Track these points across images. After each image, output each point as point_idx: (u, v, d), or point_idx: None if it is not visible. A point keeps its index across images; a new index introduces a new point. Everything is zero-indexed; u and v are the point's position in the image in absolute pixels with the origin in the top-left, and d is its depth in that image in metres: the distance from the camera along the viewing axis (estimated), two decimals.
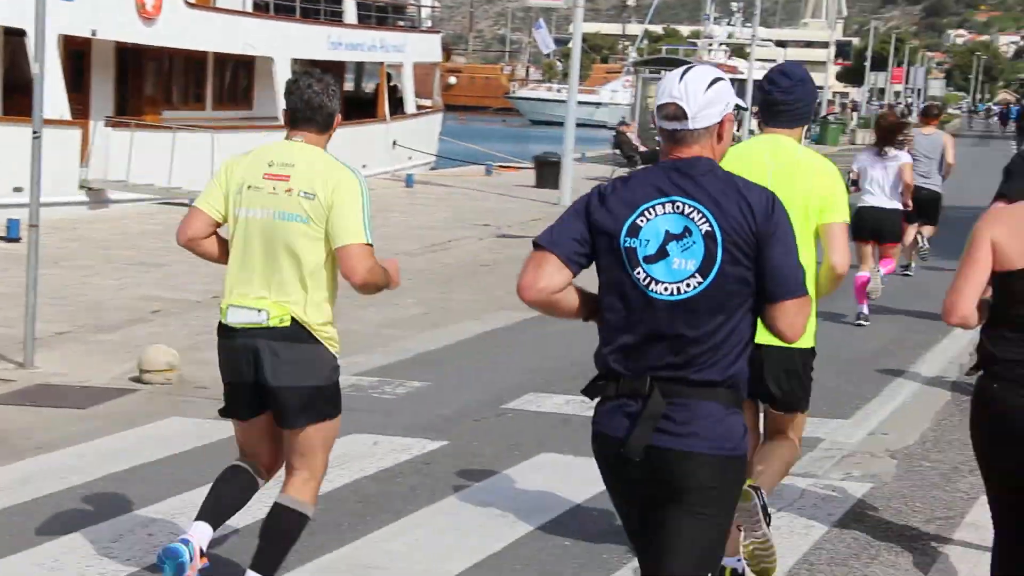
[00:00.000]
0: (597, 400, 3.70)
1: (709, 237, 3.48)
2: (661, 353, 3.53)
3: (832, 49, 73.09)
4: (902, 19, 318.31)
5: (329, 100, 4.94)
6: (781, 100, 5.26)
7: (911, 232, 14.50)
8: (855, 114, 67.37)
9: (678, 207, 3.52)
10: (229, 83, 27.08)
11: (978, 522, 6.53)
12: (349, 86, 33.42)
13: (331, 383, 4.95)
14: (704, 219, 3.49)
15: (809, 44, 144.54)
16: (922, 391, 9.54)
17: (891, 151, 12.24)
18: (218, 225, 5.04)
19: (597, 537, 6.17)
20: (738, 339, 3.54)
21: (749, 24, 77.64)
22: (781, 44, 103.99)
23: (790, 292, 3.49)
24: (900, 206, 12.20)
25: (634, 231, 3.54)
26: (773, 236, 3.48)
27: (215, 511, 5.05)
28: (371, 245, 4.80)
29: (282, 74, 25.48)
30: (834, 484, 7.12)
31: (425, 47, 33.89)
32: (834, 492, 6.96)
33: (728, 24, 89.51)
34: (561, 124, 25.94)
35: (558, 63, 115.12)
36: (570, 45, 26.74)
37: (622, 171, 29.42)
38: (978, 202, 25.54)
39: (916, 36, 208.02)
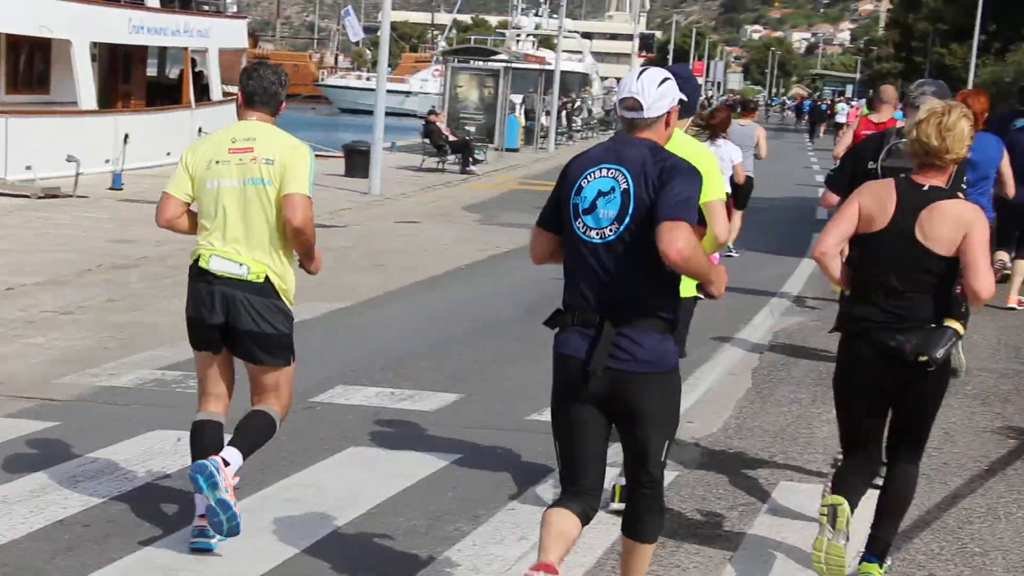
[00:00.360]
0: (556, 329, 4.70)
1: (625, 194, 4.47)
2: (606, 291, 4.51)
3: (636, 42, 74.33)
4: (701, 14, 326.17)
5: (281, 88, 5.89)
6: None
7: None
8: None
9: (609, 172, 4.53)
10: (24, 66, 25.97)
11: (778, 508, 6.68)
12: (152, 71, 32.50)
13: (289, 330, 5.94)
14: (624, 180, 4.48)
15: (614, 36, 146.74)
16: (725, 379, 9.70)
17: (720, 141, 13.58)
18: (188, 205, 5.88)
19: (407, 532, 6.10)
20: (662, 278, 4.50)
21: (556, 16, 78.42)
22: (587, 36, 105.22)
23: (664, 217, 4.33)
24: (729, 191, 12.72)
25: (578, 191, 4.58)
26: (663, 186, 4.40)
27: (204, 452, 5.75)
28: (311, 199, 5.73)
29: (81, 58, 24.58)
30: None
31: (231, 33, 33.19)
32: None
33: (536, 15, 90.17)
34: (371, 113, 25.69)
35: (367, 51, 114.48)
36: (379, 33, 26.49)
37: (432, 161, 29.43)
38: (775, 193, 26.30)
39: (715, 31, 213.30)
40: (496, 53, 41.44)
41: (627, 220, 4.47)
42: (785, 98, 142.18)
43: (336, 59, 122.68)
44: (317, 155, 25.10)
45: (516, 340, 10.95)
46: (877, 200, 5.30)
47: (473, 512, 6.42)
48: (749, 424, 8.34)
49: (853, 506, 5.39)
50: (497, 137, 35.44)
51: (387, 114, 25.87)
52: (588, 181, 4.58)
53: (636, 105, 4.59)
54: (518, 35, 68.62)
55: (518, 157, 35.94)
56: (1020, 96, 14.28)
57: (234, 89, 33.89)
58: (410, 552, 5.86)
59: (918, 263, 5.18)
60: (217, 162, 5.71)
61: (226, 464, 5.59)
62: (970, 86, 56.75)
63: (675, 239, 4.30)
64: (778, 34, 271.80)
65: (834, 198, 6.89)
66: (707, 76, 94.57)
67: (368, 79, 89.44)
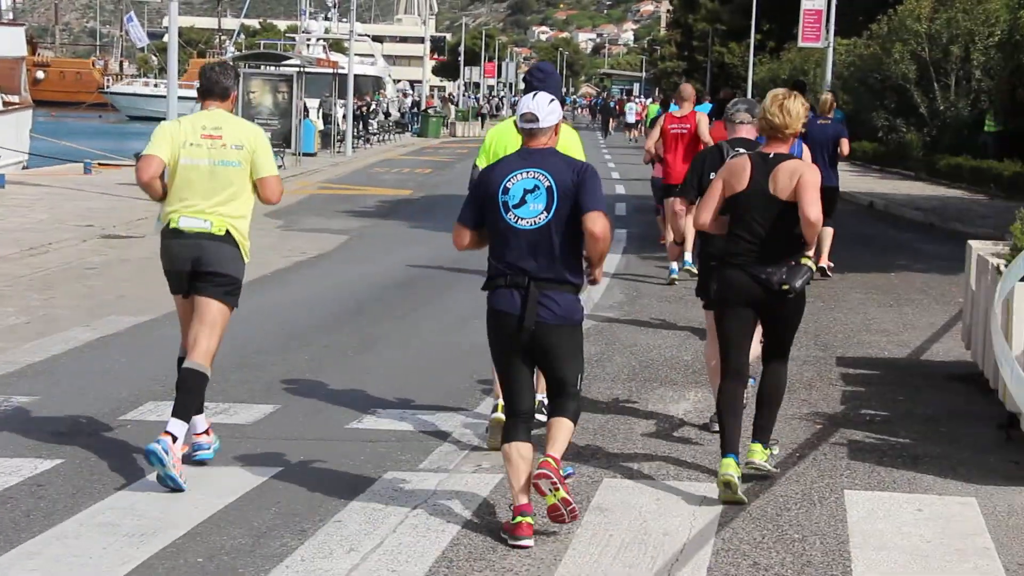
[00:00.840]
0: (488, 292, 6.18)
1: (549, 191, 6.06)
2: (532, 263, 6.07)
3: (427, 45, 74.40)
4: (490, 16, 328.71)
5: (227, 79, 7.22)
6: (541, 88, 6.72)
7: None
8: (453, 107, 68.80)
9: (531, 174, 6.10)
10: None
11: (603, 505, 6.71)
12: None
13: (241, 277, 7.25)
14: (547, 180, 6.07)
15: (404, 39, 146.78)
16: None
17: None
18: (163, 168, 7.05)
19: (231, 551, 5.93)
20: (576, 252, 6.13)
21: (345, 19, 77.91)
22: (378, 39, 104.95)
23: (590, 208, 6.00)
24: None
25: (505, 191, 6.11)
26: (583, 185, 6.04)
27: (184, 410, 6.89)
28: (279, 176, 7.37)
29: None
30: (466, 478, 7.12)
31: (7, 41, 32.00)
32: (466, 486, 6.97)
33: (325, 19, 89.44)
34: (160, 119, 24.96)
35: (153, 57, 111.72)
36: (165, 39, 25.84)
37: None
38: None
39: (503, 32, 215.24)
40: (287, 58, 40.91)
41: (553, 210, 6.05)
42: (575, 97, 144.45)
43: (121, 66, 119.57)
44: (106, 164, 24.43)
45: (327, 348, 10.79)
46: (735, 172, 6.93)
47: (299, 527, 6.28)
48: None
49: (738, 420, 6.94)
50: (294, 142, 35.01)
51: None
52: (513, 183, 6.12)
53: (534, 118, 6.18)
54: (308, 39, 67.73)
55: (316, 162, 35.58)
56: (798, 88, 14.78)
57: (14, 99, 33.00)
58: (236, 571, 5.68)
59: (773, 211, 6.79)
60: (191, 144, 7.01)
61: (174, 440, 6.69)
62: (750, 83, 58.65)
63: (598, 222, 5.97)
64: (564, 35, 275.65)
65: (681, 206, 8.24)
66: (499, 77, 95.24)
67: (156, 85, 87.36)
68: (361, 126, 47.03)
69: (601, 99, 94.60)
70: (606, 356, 10.52)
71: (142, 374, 9.58)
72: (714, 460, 7.49)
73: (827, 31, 43.79)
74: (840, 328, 12.02)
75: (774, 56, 60.73)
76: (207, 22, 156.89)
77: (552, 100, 6.23)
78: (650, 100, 63.47)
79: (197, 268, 7.07)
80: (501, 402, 7.07)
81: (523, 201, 6.09)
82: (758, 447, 7.07)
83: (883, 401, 9.13)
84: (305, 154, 35.77)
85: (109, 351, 10.55)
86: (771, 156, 6.90)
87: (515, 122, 6.44)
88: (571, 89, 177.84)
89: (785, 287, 6.73)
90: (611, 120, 72.46)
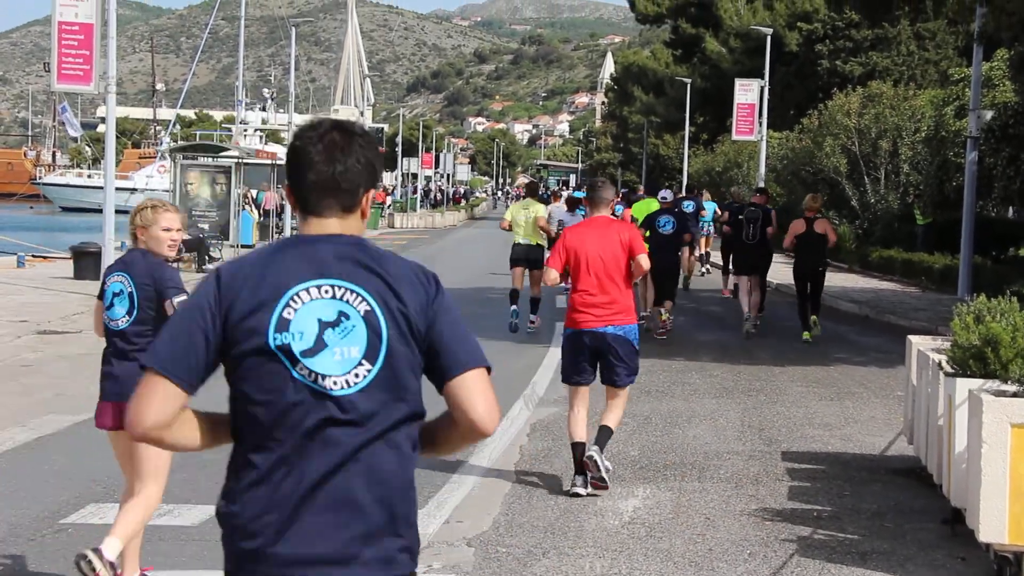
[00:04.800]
0: None
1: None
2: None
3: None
4: (426, 107, 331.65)
5: None
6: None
7: None
8: (390, 198, 69.05)
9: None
10: None
11: None
12: None
13: None
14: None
15: None
16: (489, 475, 9.69)
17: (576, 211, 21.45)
18: None
19: None
20: None
21: (282, 110, 78.29)
22: None
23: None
24: None
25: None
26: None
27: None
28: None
29: None
30: None
31: None
32: None
33: (261, 110, 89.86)
34: (95, 211, 24.94)
35: (87, 147, 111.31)
36: (99, 129, 25.77)
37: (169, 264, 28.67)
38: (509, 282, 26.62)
39: (440, 123, 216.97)
40: (225, 149, 40.97)
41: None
42: (510, 188, 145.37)
43: (54, 156, 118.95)
44: (40, 257, 24.31)
45: None
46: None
47: None
48: (519, 520, 8.33)
49: None
50: (232, 233, 34.91)
51: (116, 212, 25.10)
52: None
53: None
54: (245, 130, 68.04)
55: None
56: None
57: None
58: None
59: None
60: None
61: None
62: (684, 174, 59.46)
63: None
64: (501, 126, 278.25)
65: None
66: (437, 167, 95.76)
67: (90, 176, 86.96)
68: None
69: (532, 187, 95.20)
70: (553, 452, 10.51)
71: (82, 475, 9.44)
72: (666, 557, 7.51)
73: (760, 124, 44.65)
74: (783, 422, 12.12)
75: (708, 148, 61.68)
76: (142, 112, 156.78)
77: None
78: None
79: None
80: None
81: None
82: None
83: (829, 496, 9.19)
84: (243, 246, 35.66)
85: (47, 452, 10.39)
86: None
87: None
88: (507, 179, 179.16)
89: None
90: None
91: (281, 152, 47.66)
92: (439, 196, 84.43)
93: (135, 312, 6.35)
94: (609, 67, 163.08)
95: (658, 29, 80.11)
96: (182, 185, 35.11)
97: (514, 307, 18.48)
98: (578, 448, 8.95)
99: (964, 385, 8.08)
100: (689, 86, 59.92)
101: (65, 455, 10.22)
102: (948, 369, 8.55)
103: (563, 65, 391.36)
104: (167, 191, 40.40)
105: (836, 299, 25.31)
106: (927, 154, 35.40)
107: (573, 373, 9.18)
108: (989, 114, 26.13)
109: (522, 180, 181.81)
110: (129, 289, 6.47)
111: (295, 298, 3.12)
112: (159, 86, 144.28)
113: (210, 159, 37.55)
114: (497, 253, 41.02)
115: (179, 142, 60.18)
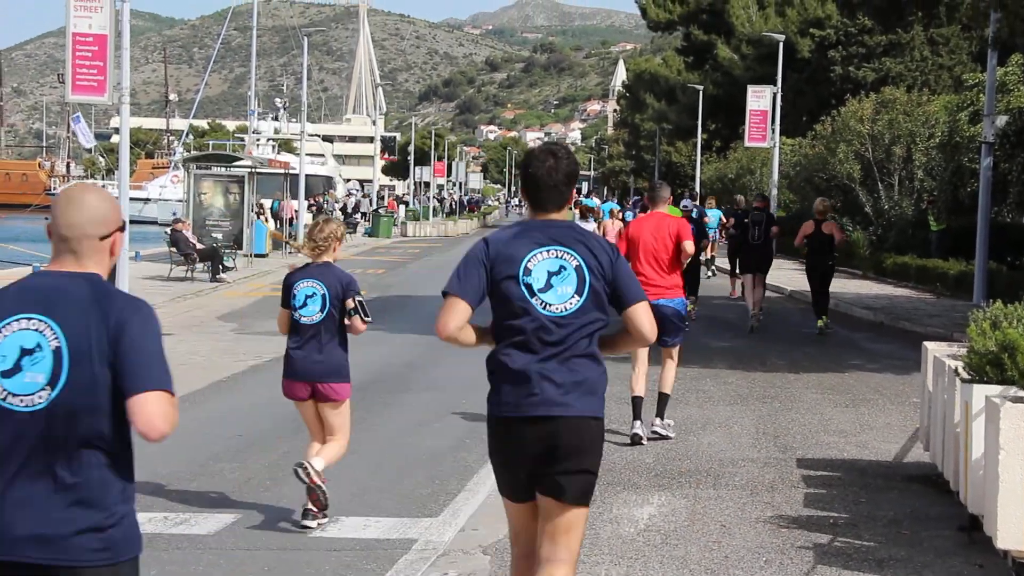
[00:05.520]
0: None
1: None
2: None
3: (377, 144, 74.89)
4: (438, 115, 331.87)
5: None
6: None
7: None
8: (403, 207, 69.15)
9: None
10: None
11: None
12: None
13: None
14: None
15: (353, 139, 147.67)
16: None
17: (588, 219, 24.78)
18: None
19: None
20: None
21: (295, 120, 78.40)
22: (328, 139, 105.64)
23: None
24: None
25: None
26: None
27: None
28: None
29: None
30: None
31: None
32: None
33: (274, 120, 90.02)
34: None
35: (100, 158, 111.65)
36: (112, 139, 25.84)
37: (180, 270, 28.80)
38: None
39: (452, 132, 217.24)
40: (238, 158, 41.03)
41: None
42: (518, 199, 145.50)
43: (68, 167, 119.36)
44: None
45: (286, 455, 10.68)
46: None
47: None
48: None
49: None
50: (246, 243, 34.99)
51: (130, 222, 25.19)
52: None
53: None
54: (258, 139, 68.18)
55: (268, 263, 35.55)
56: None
57: None
58: None
59: None
60: None
61: None
62: (697, 181, 59.44)
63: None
64: (512, 134, 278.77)
65: None
66: (449, 176, 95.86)
67: (104, 186, 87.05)
68: None
69: None
70: None
71: None
72: (682, 564, 7.50)
73: (772, 131, 44.61)
74: (798, 429, 12.09)
75: (721, 155, 61.68)
76: (155, 122, 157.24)
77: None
78: (630, 205, 63.81)
79: None
80: None
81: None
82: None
83: (845, 503, 9.17)
84: (257, 255, 35.75)
85: None
86: None
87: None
88: (518, 188, 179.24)
89: None
90: None
91: (294, 161, 47.77)
92: (452, 205, 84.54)
93: (326, 309, 8.30)
94: (621, 74, 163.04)
95: (670, 36, 79.99)
96: (195, 195, 35.18)
97: None
98: (637, 400, 11.18)
99: (981, 391, 8.05)
100: (701, 93, 59.95)
101: None
102: (965, 375, 8.52)
103: (575, 73, 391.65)
104: (180, 201, 40.58)
105: (851, 305, 25.26)
106: (941, 160, 35.33)
107: None
108: (1004, 119, 26.05)
109: None
110: (322, 292, 8.36)
111: (534, 256, 5.11)
112: (172, 96, 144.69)
113: (223, 169, 37.60)
114: None
115: (192, 152, 60.38)
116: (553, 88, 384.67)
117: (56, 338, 3.71)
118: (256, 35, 56.84)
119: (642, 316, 5.10)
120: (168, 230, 30.43)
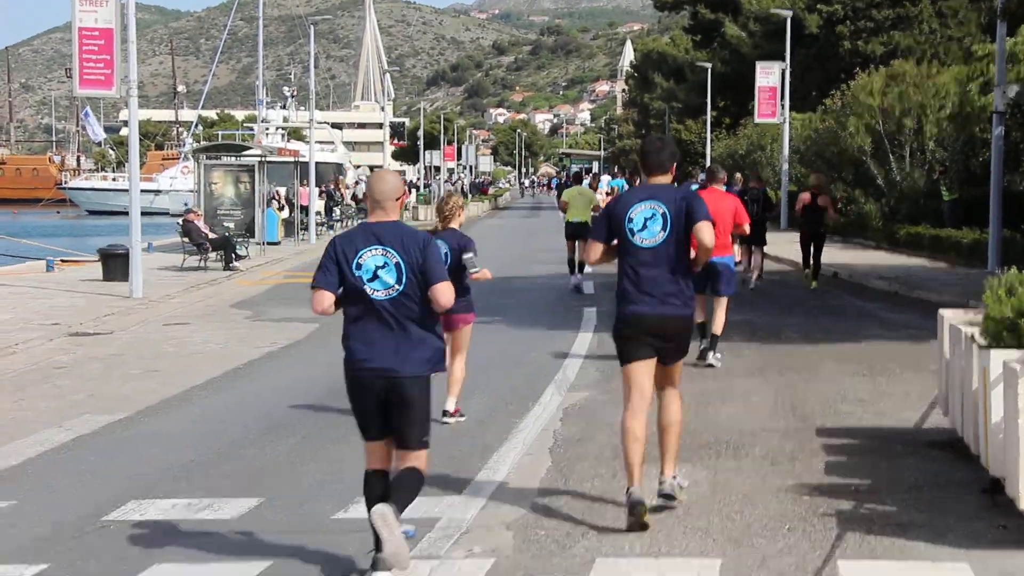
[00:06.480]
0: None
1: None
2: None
3: (387, 129, 74.86)
4: (446, 99, 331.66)
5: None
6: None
7: None
8: (414, 191, 69.09)
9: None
10: None
11: None
12: None
13: None
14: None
15: (362, 125, 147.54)
16: (524, 460, 9.69)
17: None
18: None
19: None
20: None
21: (303, 108, 78.35)
22: (337, 126, 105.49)
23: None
24: None
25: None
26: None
27: None
28: None
29: None
30: (457, 564, 7.09)
31: None
32: (458, 572, 6.95)
33: (282, 108, 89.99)
34: (120, 213, 25.06)
35: (110, 151, 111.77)
36: (122, 132, 25.87)
37: (193, 259, 28.84)
38: (539, 271, 26.74)
39: (461, 115, 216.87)
40: (247, 148, 41.00)
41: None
42: (533, 177, 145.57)
43: (78, 160, 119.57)
44: (69, 261, 24.41)
45: (306, 438, 10.72)
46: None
47: None
48: (555, 504, 8.34)
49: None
50: (258, 231, 35.03)
51: (141, 213, 25.17)
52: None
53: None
54: (267, 128, 68.11)
55: (280, 250, 35.60)
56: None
57: None
58: None
59: None
60: None
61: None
62: (708, 158, 59.28)
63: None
64: (522, 116, 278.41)
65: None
66: (459, 159, 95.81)
67: (115, 179, 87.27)
68: (324, 213, 47.17)
69: (560, 177, 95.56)
70: (587, 435, 10.52)
71: (120, 473, 9.51)
72: (705, 534, 7.51)
73: (782, 107, 44.54)
74: (817, 399, 12.09)
75: (731, 132, 61.46)
76: (164, 114, 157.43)
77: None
78: (609, 176, 63.81)
79: None
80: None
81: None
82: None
83: (866, 470, 9.17)
84: (269, 243, 35.79)
85: (84, 451, 10.45)
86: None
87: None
88: (530, 169, 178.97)
89: None
90: None
91: (303, 149, 47.74)
92: (463, 188, 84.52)
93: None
94: (629, 55, 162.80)
95: (677, 16, 79.93)
96: (206, 185, 35.19)
97: (574, 275, 24.08)
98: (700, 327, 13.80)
99: (999, 356, 8.05)
100: (709, 71, 59.83)
101: (102, 454, 10.28)
102: (982, 341, 8.52)
103: (582, 54, 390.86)
104: (191, 191, 40.59)
105: (866, 276, 25.24)
106: (952, 131, 35.22)
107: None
108: (1015, 88, 25.95)
109: (545, 169, 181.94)
110: (445, 249, 9.98)
111: (638, 207, 7.85)
112: (180, 88, 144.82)
113: (233, 158, 37.59)
114: (520, 246, 41.23)
115: (202, 143, 60.37)
116: (561, 70, 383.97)
117: (396, 258, 6.67)
118: (263, 25, 56.75)
119: (704, 232, 7.71)
120: (180, 221, 30.47)
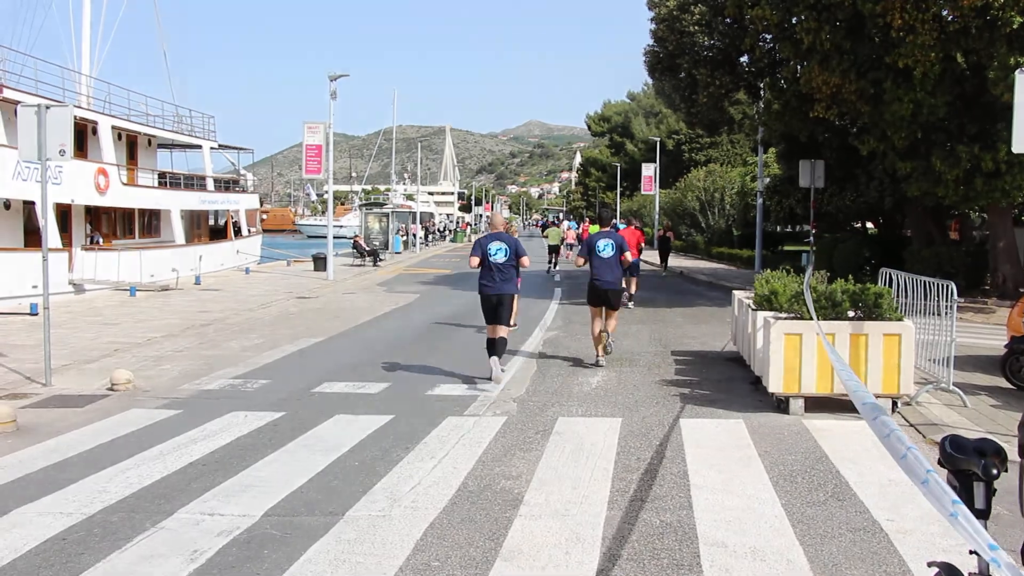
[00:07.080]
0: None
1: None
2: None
3: (456, 195, 74.49)
4: (485, 180, 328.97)
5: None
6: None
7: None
8: (469, 227, 68.41)
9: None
10: (147, 223, 24.21)
11: (559, 431, 6.53)
12: (212, 222, 30.85)
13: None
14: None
15: (444, 193, 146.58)
16: (523, 365, 9.52)
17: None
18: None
19: (372, 458, 5.82)
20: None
21: (414, 184, 77.85)
22: (430, 193, 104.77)
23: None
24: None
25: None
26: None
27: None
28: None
29: (176, 218, 23.42)
30: (487, 419, 6.99)
31: (250, 200, 31.70)
32: (488, 424, 6.87)
33: (403, 183, 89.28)
34: (322, 237, 24.84)
35: (319, 205, 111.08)
36: (324, 195, 25.68)
37: (358, 261, 28.63)
38: (531, 268, 26.06)
39: (492, 189, 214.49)
40: (385, 203, 40.73)
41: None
42: (530, 221, 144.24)
43: (303, 210, 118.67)
44: (297, 260, 23.60)
45: (415, 353, 10.55)
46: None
47: (404, 447, 6.10)
48: (539, 388, 8.24)
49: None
50: (390, 247, 34.83)
51: (333, 237, 25.10)
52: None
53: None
54: (395, 194, 67.73)
55: (401, 257, 35.25)
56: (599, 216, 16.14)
57: (254, 229, 32.71)
58: (374, 468, 5.53)
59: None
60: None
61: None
62: (618, 210, 58.46)
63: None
64: (524, 189, 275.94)
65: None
66: (491, 210, 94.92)
67: (320, 219, 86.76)
68: (424, 237, 46.93)
69: (544, 220, 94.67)
70: (556, 353, 10.36)
71: (321, 368, 9.40)
72: (615, 404, 7.42)
73: (655, 186, 44.06)
74: (672, 336, 11.94)
75: (630, 198, 60.88)
76: (344, 187, 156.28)
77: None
78: (580, 223, 62.76)
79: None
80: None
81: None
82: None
83: (695, 373, 9.06)
84: (395, 253, 35.60)
85: (305, 357, 10.38)
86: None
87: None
88: (529, 216, 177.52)
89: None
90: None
91: (414, 205, 47.34)
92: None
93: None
94: (579, 158, 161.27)
95: (603, 139, 79.04)
96: (365, 222, 35.00)
97: (549, 271, 24.58)
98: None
99: (762, 315, 7.96)
100: (619, 168, 59.16)
101: (311, 358, 10.18)
102: (753, 306, 8.43)
103: (555, 158, 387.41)
104: (359, 227, 40.32)
105: (696, 273, 25.01)
106: (738, 200, 34.91)
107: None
108: (767, 180, 25.74)
109: (536, 216, 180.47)
110: (505, 246, 8.60)
111: (600, 240, 8.76)
112: (353, 174, 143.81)
113: (378, 209, 37.39)
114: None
115: (363, 201, 59.98)
116: (544, 166, 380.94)
117: (505, 246, 7.97)
118: (395, 141, 56.34)
119: (626, 250, 8.88)
120: (352, 241, 30.24)
